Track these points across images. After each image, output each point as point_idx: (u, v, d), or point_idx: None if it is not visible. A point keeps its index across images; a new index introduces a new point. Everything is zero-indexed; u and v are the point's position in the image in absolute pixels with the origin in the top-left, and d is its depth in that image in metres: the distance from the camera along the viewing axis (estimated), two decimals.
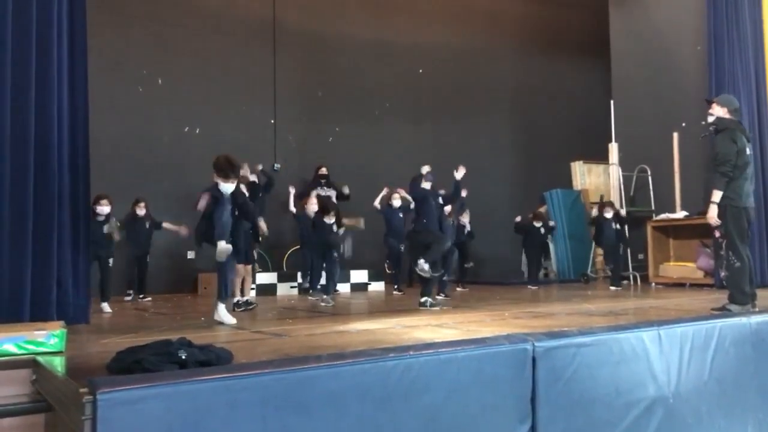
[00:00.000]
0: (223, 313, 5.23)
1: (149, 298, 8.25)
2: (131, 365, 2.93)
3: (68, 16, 5.13)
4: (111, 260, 7.02)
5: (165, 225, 8.33)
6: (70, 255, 5.09)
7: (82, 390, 2.56)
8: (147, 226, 8.29)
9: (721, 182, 5.39)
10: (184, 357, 2.99)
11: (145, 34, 9.89)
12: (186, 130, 10.07)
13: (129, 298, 8.12)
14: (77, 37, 5.23)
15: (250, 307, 6.74)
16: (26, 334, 3.67)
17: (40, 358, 3.47)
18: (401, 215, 9.10)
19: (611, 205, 9.79)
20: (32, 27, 4.87)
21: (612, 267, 9.49)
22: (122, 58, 9.60)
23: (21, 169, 4.78)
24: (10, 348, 3.58)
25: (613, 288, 9.06)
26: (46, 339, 3.70)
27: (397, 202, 9.06)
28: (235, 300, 6.69)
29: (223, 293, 5.32)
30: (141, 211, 8.21)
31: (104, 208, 6.88)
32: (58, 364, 3.38)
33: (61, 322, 4.13)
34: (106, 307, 6.78)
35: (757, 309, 5.34)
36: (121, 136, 9.37)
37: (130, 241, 8.18)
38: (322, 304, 7.17)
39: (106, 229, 6.90)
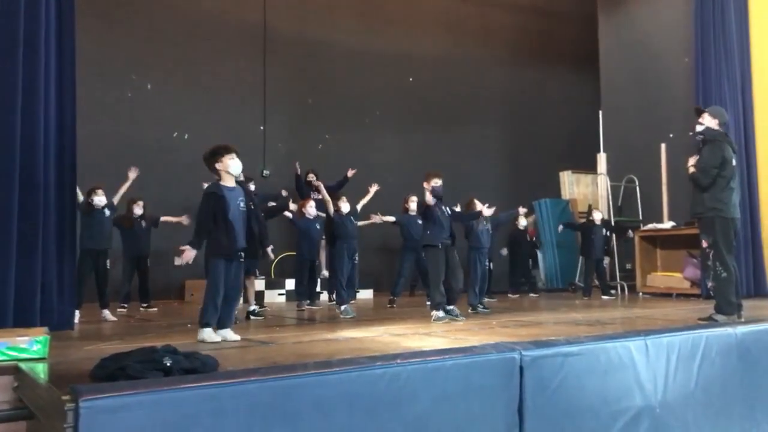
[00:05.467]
0: (205, 335, 4.52)
1: (155, 309, 7.64)
2: (115, 372, 2.90)
3: (56, 18, 5.10)
4: (108, 261, 6.71)
5: (163, 219, 7.98)
6: (55, 261, 5.04)
7: (64, 397, 2.52)
8: (144, 225, 7.79)
9: (701, 182, 5.46)
10: (169, 364, 2.96)
11: (134, 39, 9.83)
12: (174, 135, 10.02)
13: (123, 310, 7.33)
14: (65, 40, 5.21)
15: (260, 317, 6.50)
16: (8, 340, 3.63)
17: (22, 365, 3.43)
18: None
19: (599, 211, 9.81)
20: (20, 29, 4.84)
21: (598, 277, 9.49)
22: (111, 62, 9.54)
23: (5, 171, 4.74)
24: None
25: (605, 297, 9.07)
26: (28, 345, 3.65)
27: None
28: (251, 309, 6.56)
29: (206, 317, 4.56)
30: (139, 210, 7.75)
31: (102, 198, 6.69)
32: (40, 370, 3.34)
33: (45, 328, 4.08)
34: (107, 315, 6.43)
35: (743, 319, 5.38)
36: (108, 142, 9.29)
37: (126, 244, 7.71)
38: (342, 315, 6.64)
39: (107, 213, 6.71)
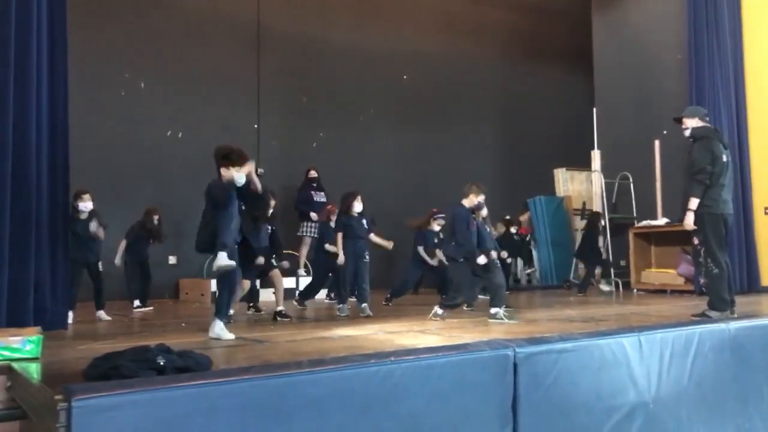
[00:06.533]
0: (219, 329, 4.57)
1: (150, 308, 7.62)
2: (108, 371, 2.89)
3: (48, 15, 5.07)
4: (100, 264, 6.59)
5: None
6: (48, 260, 5.02)
7: (56, 397, 2.51)
8: (150, 241, 7.80)
9: (697, 190, 5.46)
10: (162, 363, 2.95)
11: (127, 38, 9.79)
12: (168, 134, 9.99)
13: (138, 308, 7.50)
14: (57, 38, 5.18)
15: (286, 319, 6.15)
16: (1, 340, 3.62)
17: (15, 365, 3.43)
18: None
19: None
20: (11, 27, 4.82)
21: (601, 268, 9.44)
22: (104, 61, 9.50)
23: None
24: None
25: (605, 288, 9.03)
26: (21, 345, 3.64)
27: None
28: (278, 309, 6.30)
29: (224, 310, 4.71)
30: (154, 222, 7.73)
31: (87, 204, 6.37)
32: (33, 370, 3.33)
33: (38, 328, 4.07)
34: (103, 315, 6.40)
35: (735, 315, 5.40)
36: (102, 141, 9.27)
37: (130, 251, 7.64)
38: (338, 313, 6.61)
39: (92, 227, 6.40)
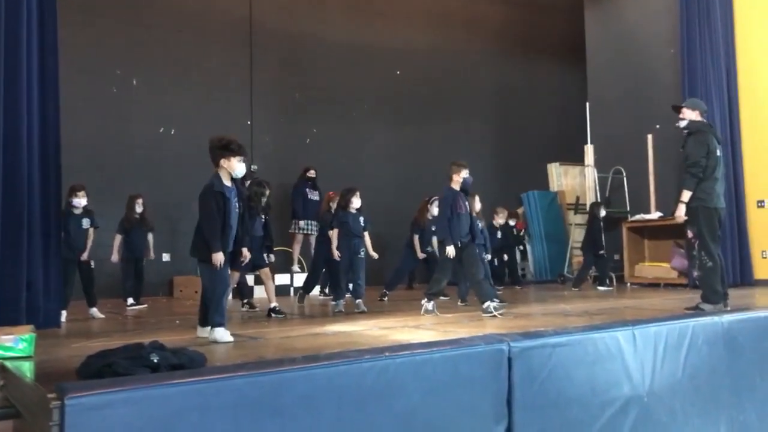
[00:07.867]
0: (219, 335, 4.31)
1: (144, 305, 7.52)
2: (101, 369, 2.87)
3: (38, 12, 5.04)
4: (93, 262, 6.55)
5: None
6: (40, 258, 5.00)
7: (49, 395, 2.50)
8: (143, 229, 7.65)
9: (691, 183, 5.49)
10: (156, 360, 2.94)
11: (118, 34, 9.74)
12: (161, 131, 9.96)
13: (133, 306, 7.38)
14: (47, 35, 5.15)
15: (281, 315, 6.13)
16: None
17: (8, 363, 3.41)
18: None
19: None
20: (0, 24, 4.78)
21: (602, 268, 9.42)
22: (95, 58, 9.45)
23: None
24: None
25: (603, 288, 9.02)
26: (14, 343, 3.62)
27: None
28: (272, 306, 6.20)
29: (219, 317, 4.36)
30: (139, 208, 7.56)
31: (81, 200, 6.36)
32: (26, 369, 3.32)
33: (31, 326, 4.05)
34: (95, 312, 6.37)
35: (728, 308, 5.43)
36: (95, 138, 9.22)
37: (125, 245, 7.52)
38: (333, 309, 6.57)
39: (84, 224, 6.38)
